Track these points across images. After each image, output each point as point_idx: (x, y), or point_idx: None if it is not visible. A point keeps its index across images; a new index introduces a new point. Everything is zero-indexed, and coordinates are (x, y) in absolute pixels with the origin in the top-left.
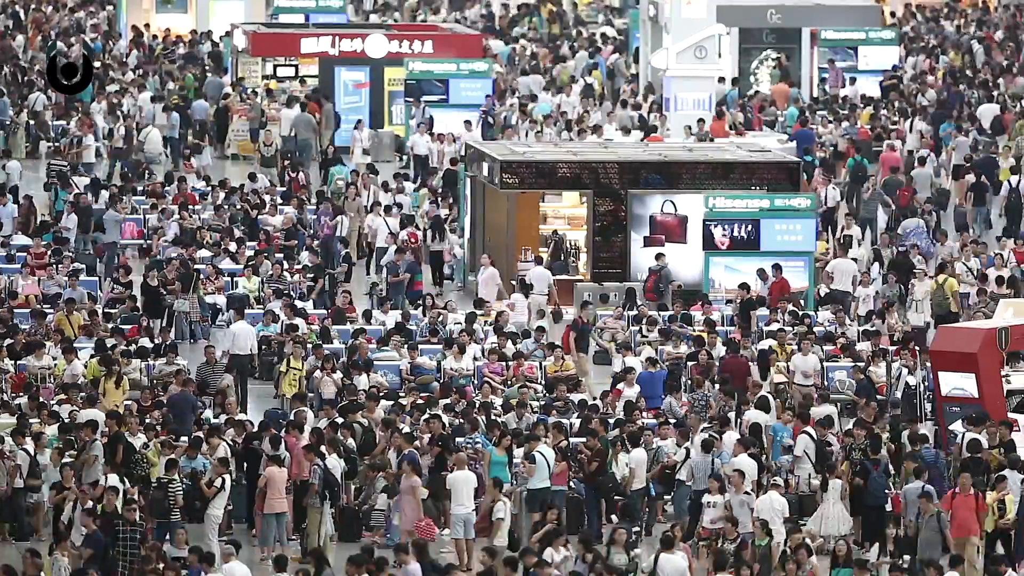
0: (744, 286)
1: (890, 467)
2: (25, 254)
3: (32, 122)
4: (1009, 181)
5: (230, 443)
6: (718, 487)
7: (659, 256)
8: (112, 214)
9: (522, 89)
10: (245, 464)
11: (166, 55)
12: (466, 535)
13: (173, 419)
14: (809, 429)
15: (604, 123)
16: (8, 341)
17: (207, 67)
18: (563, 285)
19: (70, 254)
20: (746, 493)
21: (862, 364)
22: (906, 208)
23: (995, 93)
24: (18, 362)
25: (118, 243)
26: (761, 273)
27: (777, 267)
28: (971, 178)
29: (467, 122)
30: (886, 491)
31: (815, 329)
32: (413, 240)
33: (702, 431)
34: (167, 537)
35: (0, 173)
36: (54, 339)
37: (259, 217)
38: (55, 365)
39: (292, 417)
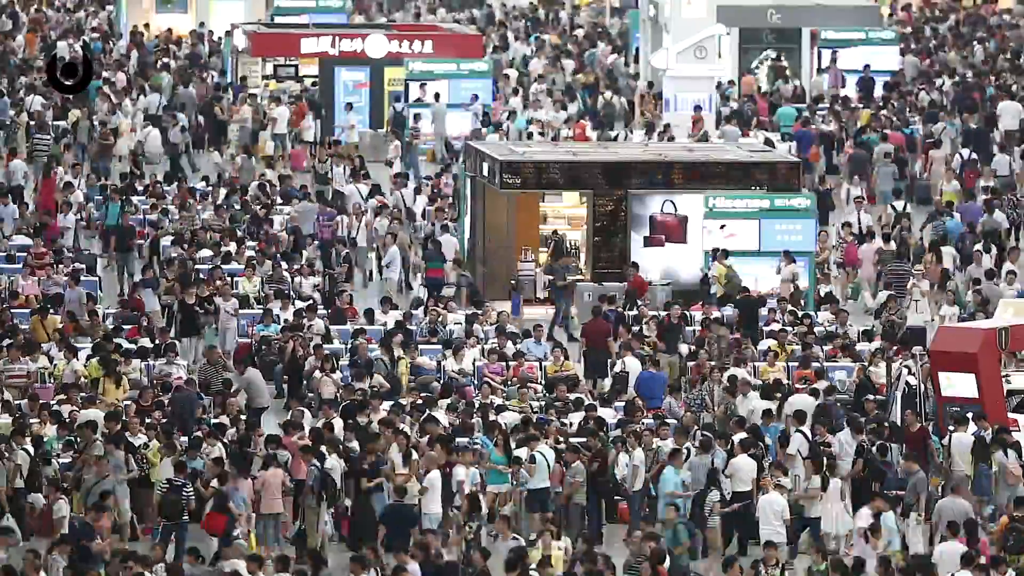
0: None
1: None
2: (25, 254)
3: (33, 122)
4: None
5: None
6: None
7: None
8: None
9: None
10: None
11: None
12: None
13: (173, 418)
14: (804, 428)
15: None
16: (8, 341)
17: (204, 65)
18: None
19: (70, 254)
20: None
21: (863, 364)
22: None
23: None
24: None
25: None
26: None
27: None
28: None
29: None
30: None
31: (815, 329)
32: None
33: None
34: (172, 538)
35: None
36: (54, 339)
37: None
38: (55, 366)
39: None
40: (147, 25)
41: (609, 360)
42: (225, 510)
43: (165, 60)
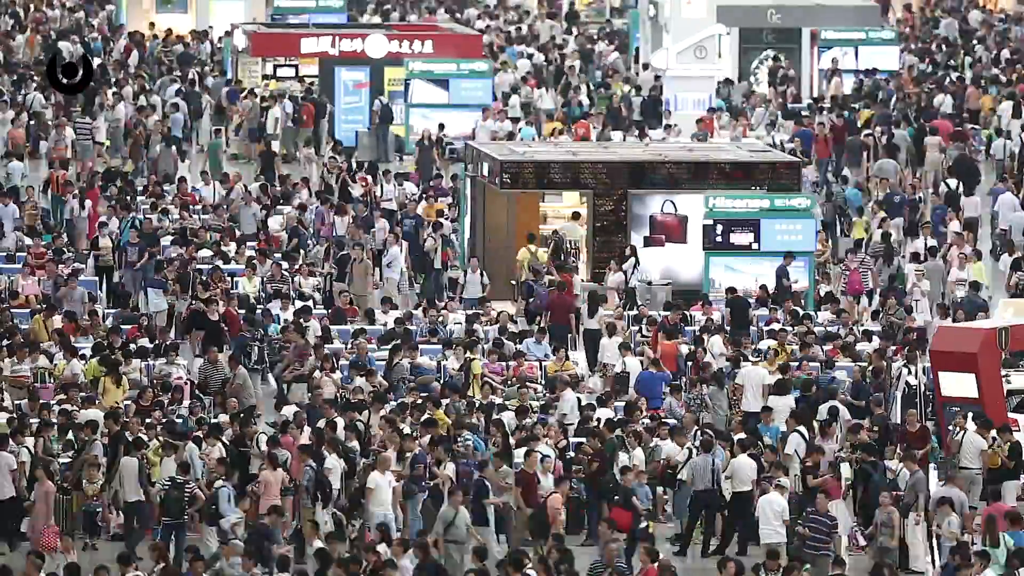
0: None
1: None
2: (25, 254)
3: (32, 122)
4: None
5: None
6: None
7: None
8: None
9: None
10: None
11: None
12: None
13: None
14: (801, 428)
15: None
16: (7, 341)
17: (205, 66)
18: None
19: (70, 254)
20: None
21: (863, 364)
22: None
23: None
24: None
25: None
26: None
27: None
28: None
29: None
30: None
31: (815, 329)
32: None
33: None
34: (172, 537)
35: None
36: (53, 339)
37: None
38: (55, 366)
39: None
40: (151, 24)
41: (570, 335)
42: (630, 505)
43: (164, 59)
